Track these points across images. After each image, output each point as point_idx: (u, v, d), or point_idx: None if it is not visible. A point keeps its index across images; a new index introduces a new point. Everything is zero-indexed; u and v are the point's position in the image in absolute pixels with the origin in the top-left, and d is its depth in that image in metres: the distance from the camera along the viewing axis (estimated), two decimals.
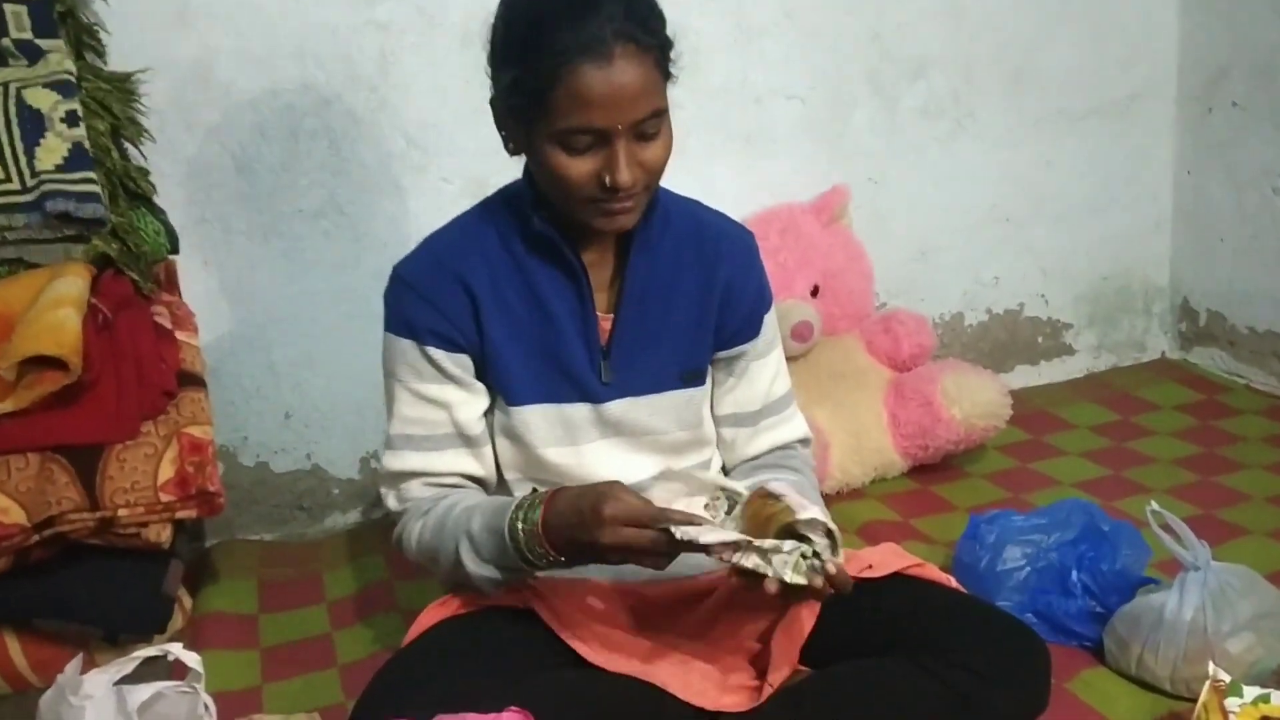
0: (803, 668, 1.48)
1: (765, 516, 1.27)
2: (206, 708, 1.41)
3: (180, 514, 1.75)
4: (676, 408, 1.54)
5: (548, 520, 1.30)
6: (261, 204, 2.15)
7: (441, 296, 1.42)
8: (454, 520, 1.41)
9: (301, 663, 1.84)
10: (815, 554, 1.23)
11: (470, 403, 1.46)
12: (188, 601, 1.95)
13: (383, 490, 1.50)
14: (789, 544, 1.22)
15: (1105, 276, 2.85)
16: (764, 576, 1.22)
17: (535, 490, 1.37)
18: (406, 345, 1.43)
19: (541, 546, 1.31)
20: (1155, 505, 1.61)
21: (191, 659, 1.43)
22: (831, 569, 1.23)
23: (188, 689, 1.42)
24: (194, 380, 1.84)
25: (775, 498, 1.28)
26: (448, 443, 1.46)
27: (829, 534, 1.23)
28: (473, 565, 1.39)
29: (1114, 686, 1.62)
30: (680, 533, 1.22)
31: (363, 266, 2.20)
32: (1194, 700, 1.54)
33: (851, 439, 2.26)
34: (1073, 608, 1.70)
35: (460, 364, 1.44)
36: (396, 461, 1.47)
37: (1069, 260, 2.81)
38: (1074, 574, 1.72)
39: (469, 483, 1.49)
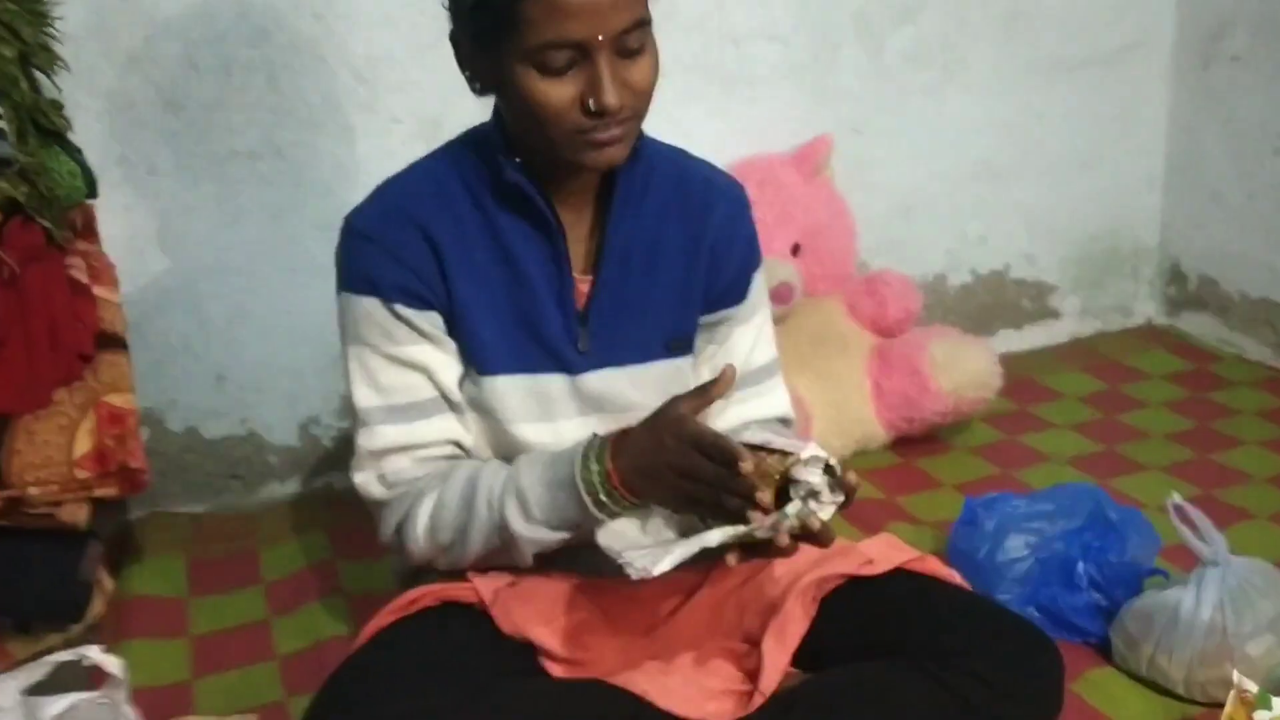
0: (795, 671, 1.35)
1: (759, 474, 1.12)
2: None
3: (99, 492, 1.60)
4: (662, 380, 1.38)
5: (617, 459, 1.18)
6: (191, 143, 1.95)
7: (404, 248, 1.25)
8: (487, 483, 1.25)
9: (236, 653, 1.68)
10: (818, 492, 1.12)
11: (449, 365, 1.30)
12: (108, 584, 1.77)
13: (360, 477, 1.31)
14: (793, 507, 1.11)
15: (1093, 236, 2.73)
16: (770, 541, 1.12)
17: (595, 435, 1.23)
18: (371, 304, 1.26)
19: (616, 489, 1.19)
20: (1177, 498, 1.49)
21: (112, 664, 1.27)
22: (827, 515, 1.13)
23: (106, 699, 1.25)
24: (114, 342, 1.66)
25: (759, 449, 1.14)
26: (434, 408, 1.29)
27: (828, 469, 1.12)
28: (520, 526, 1.23)
29: (1122, 688, 1.50)
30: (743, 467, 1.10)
31: (304, 214, 2.01)
32: (1209, 705, 1.44)
33: (832, 409, 2.12)
34: (1079, 602, 1.58)
35: (432, 322, 1.27)
36: (375, 439, 1.28)
37: (1056, 218, 2.67)
38: (1080, 565, 1.59)
39: (459, 452, 1.32)
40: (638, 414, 1.35)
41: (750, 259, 1.43)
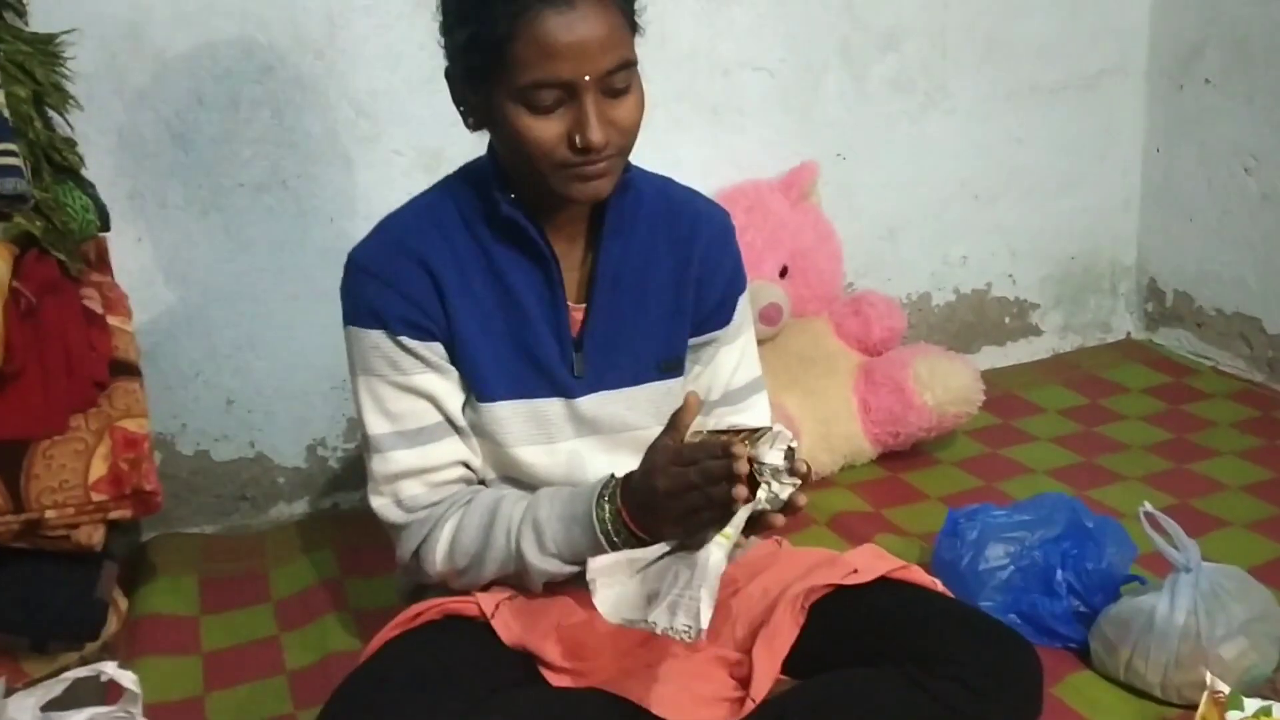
0: (785, 678, 1.41)
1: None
2: None
3: (114, 514, 1.64)
4: (655, 401, 1.45)
5: (626, 500, 1.24)
6: (200, 177, 2.01)
7: (406, 281, 1.31)
8: (507, 514, 1.32)
9: (247, 669, 1.73)
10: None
11: (453, 392, 1.36)
12: (123, 603, 1.83)
13: (377, 502, 1.37)
14: (763, 492, 1.16)
15: (1073, 256, 2.80)
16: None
17: (611, 476, 1.29)
18: (377, 337, 1.32)
19: (626, 526, 1.25)
20: (1149, 506, 1.55)
21: (127, 679, 1.32)
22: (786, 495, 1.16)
23: (123, 714, 1.31)
24: (127, 369, 1.72)
25: (724, 433, 1.20)
26: (442, 432, 1.36)
27: (788, 452, 1.16)
28: (534, 557, 1.30)
29: (1101, 692, 1.56)
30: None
31: (309, 243, 2.08)
32: (1185, 707, 1.50)
33: (821, 426, 2.19)
34: (1058, 608, 1.64)
35: (436, 352, 1.34)
36: (389, 464, 1.35)
37: (1037, 239, 2.75)
38: (1059, 573, 1.66)
39: (470, 474, 1.39)
40: (634, 434, 1.43)
41: (735, 283, 1.49)
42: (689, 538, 1.21)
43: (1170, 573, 1.55)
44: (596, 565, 1.19)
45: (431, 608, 1.37)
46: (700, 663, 1.40)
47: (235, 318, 2.09)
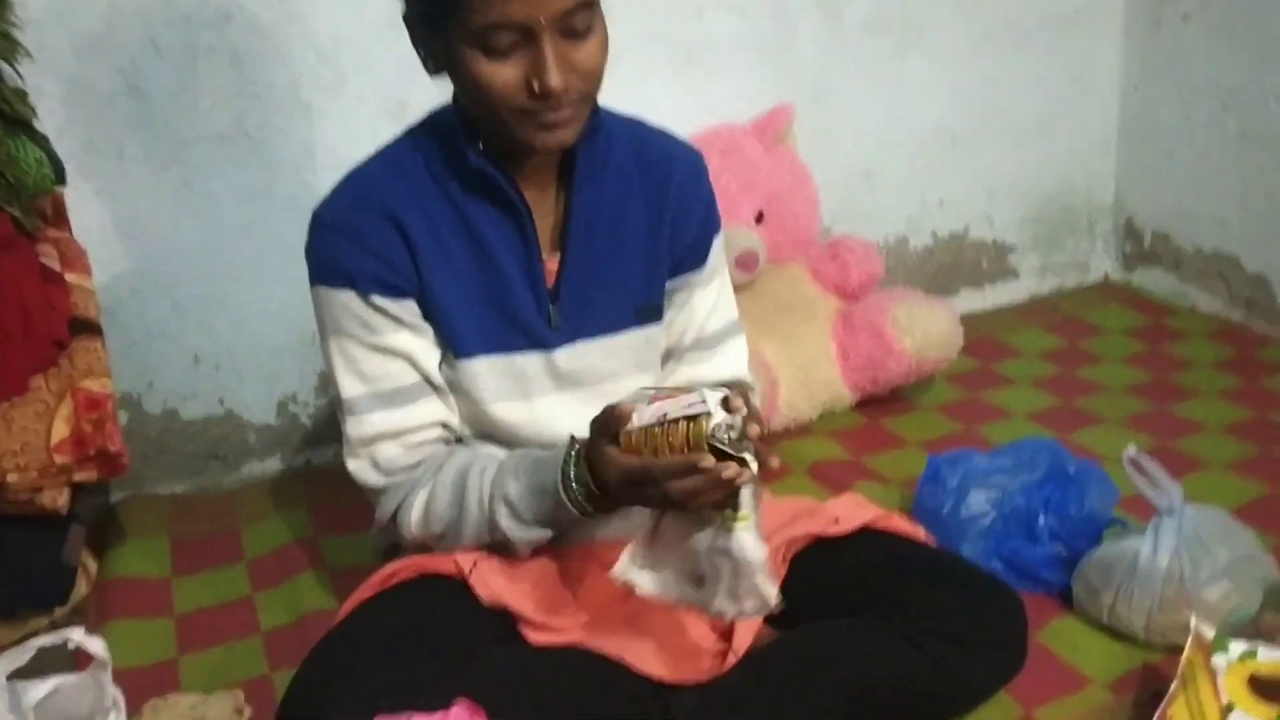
0: (768, 629, 1.40)
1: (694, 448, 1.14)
2: (115, 702, 1.27)
3: (78, 477, 1.61)
4: (634, 349, 1.42)
5: (593, 475, 1.21)
6: (158, 128, 1.95)
7: (375, 238, 1.27)
8: (476, 486, 1.29)
9: (220, 630, 1.70)
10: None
11: (429, 350, 1.33)
12: (92, 566, 1.80)
13: (353, 465, 1.34)
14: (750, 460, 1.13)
15: (1050, 196, 2.77)
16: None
17: (571, 443, 1.25)
18: (347, 296, 1.28)
19: (599, 502, 1.23)
20: (1134, 450, 1.54)
21: (95, 645, 1.29)
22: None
23: (90, 681, 1.28)
24: (88, 327, 1.67)
25: (659, 427, 1.15)
26: (419, 392, 1.32)
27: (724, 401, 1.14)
28: (517, 531, 1.29)
29: (1085, 636, 1.55)
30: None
31: (274, 196, 2.02)
32: (1169, 650, 1.49)
33: (799, 373, 2.16)
34: (1040, 554, 1.63)
35: (408, 310, 1.30)
36: (364, 427, 1.31)
37: (1014, 180, 2.72)
38: (1041, 518, 1.65)
39: (448, 434, 1.36)
40: (611, 383, 1.40)
41: (709, 224, 1.46)
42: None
43: (1153, 516, 1.53)
44: (618, 570, 1.21)
45: (406, 566, 1.34)
46: (680, 617, 1.38)
47: (200, 273, 2.04)
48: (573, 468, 1.22)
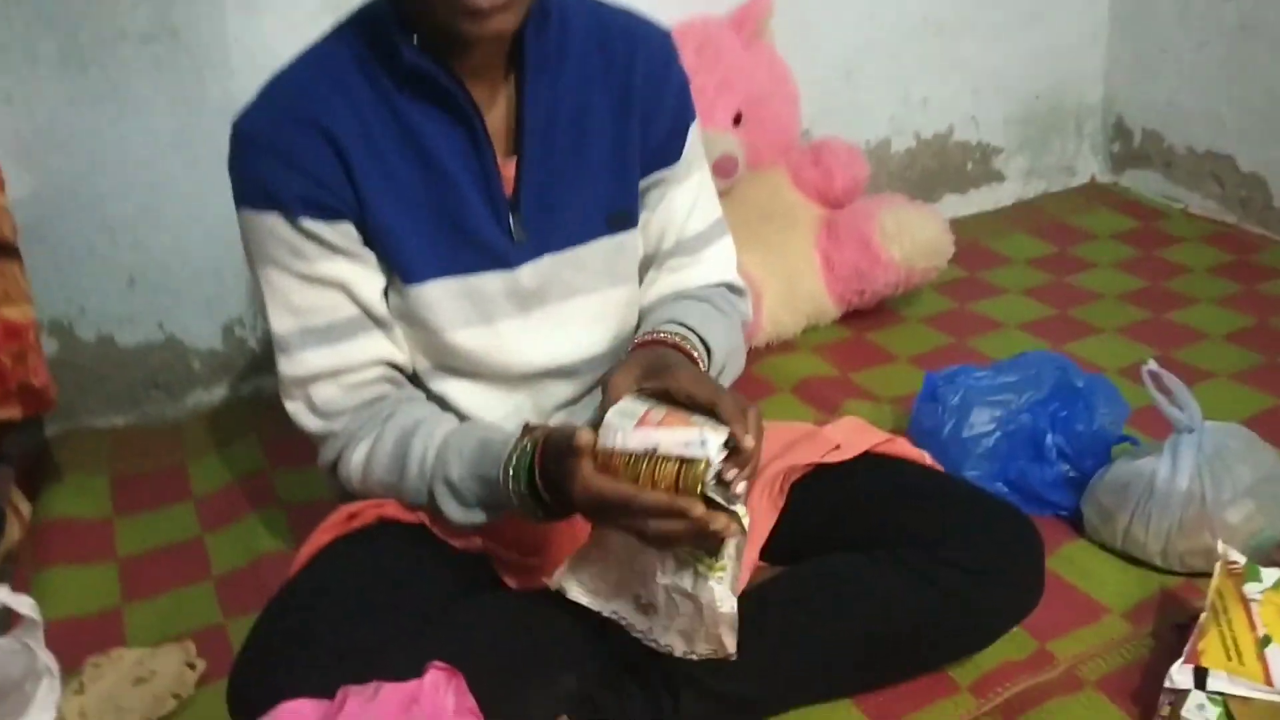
0: (765, 565, 1.29)
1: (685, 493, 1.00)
2: (48, 668, 1.15)
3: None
4: (606, 260, 1.28)
5: (546, 481, 1.08)
6: (73, 24, 1.75)
7: (301, 153, 1.11)
8: (418, 458, 1.15)
9: (168, 575, 1.57)
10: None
11: (369, 279, 1.17)
12: (25, 508, 1.65)
13: (291, 406, 1.20)
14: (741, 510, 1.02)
15: (1037, 94, 2.64)
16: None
17: (523, 434, 1.11)
18: (273, 221, 1.12)
19: (546, 506, 1.09)
20: (1154, 364, 1.43)
21: (23, 604, 1.16)
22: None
23: (19, 644, 1.15)
24: (4, 250, 1.52)
25: (646, 459, 1.01)
26: (357, 327, 1.17)
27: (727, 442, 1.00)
28: (459, 514, 1.16)
29: (1097, 562, 1.46)
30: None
31: (208, 101, 1.84)
32: (1188, 575, 1.41)
33: (783, 285, 2.04)
34: (1049, 475, 1.53)
35: (345, 234, 1.14)
36: (297, 365, 1.17)
37: (1000, 77, 2.58)
38: (1049, 437, 1.54)
39: (393, 373, 1.21)
40: (582, 300, 1.26)
41: (683, 112, 1.30)
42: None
43: (1171, 434, 1.43)
44: (556, 579, 1.10)
45: (367, 508, 1.22)
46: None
47: (129, 187, 1.86)
48: (523, 470, 1.08)
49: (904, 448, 1.37)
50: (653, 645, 1.09)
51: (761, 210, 2.10)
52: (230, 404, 2.04)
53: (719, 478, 0.99)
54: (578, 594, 1.10)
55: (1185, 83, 2.51)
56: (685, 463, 0.98)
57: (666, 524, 0.98)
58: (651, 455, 0.99)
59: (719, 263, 1.38)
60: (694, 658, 1.07)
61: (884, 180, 2.49)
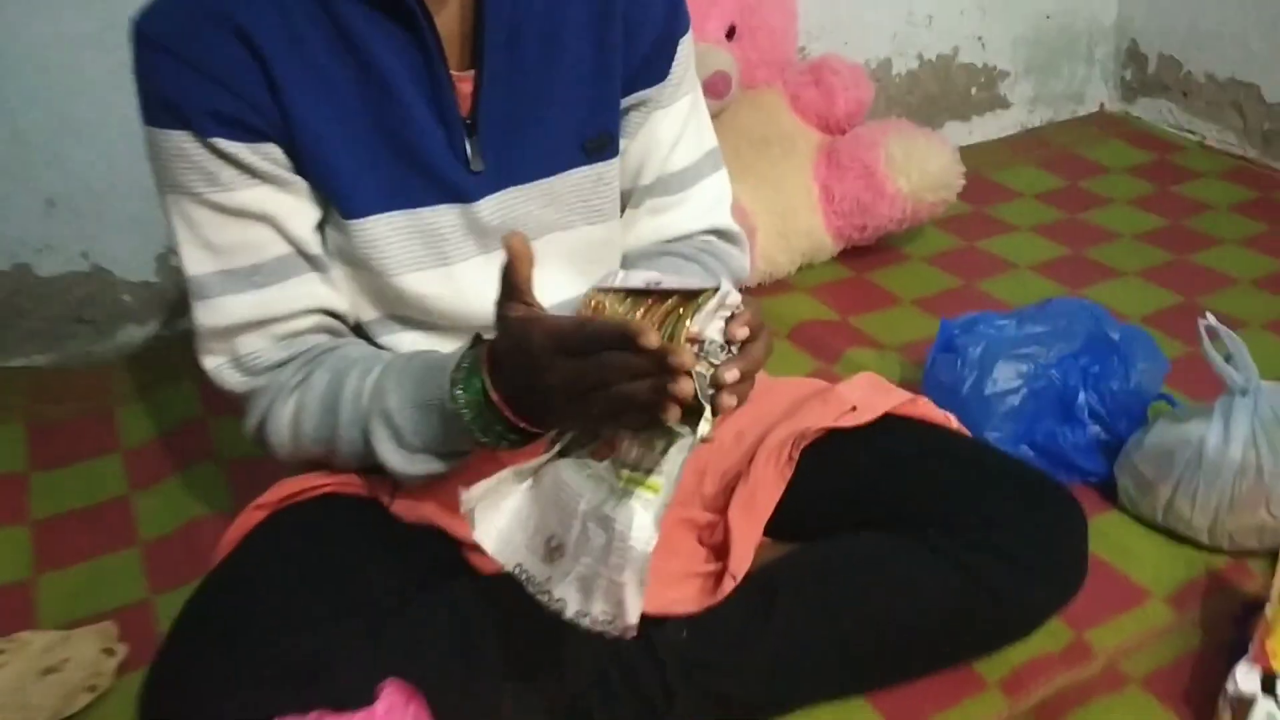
0: (769, 540, 1.13)
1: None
2: None
3: None
4: (580, 191, 1.09)
5: (498, 383, 0.87)
6: None
7: (213, 58, 0.90)
8: (352, 395, 0.96)
9: (89, 541, 1.39)
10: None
11: (300, 210, 0.98)
12: None
13: (209, 362, 1.00)
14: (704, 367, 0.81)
15: (1048, 15, 2.45)
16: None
17: (472, 342, 0.91)
18: (181, 140, 0.93)
19: (502, 421, 0.88)
20: (1211, 319, 1.26)
21: None
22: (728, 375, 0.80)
23: None
24: None
25: (642, 295, 0.83)
26: (287, 268, 0.98)
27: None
28: (400, 462, 0.96)
29: (1135, 538, 1.31)
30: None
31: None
32: (1236, 556, 1.26)
33: (777, 220, 1.85)
34: (1081, 438, 1.37)
35: (269, 156, 0.95)
36: (218, 314, 0.98)
37: None
38: (1081, 395, 1.38)
39: (331, 321, 1.02)
40: (553, 238, 1.08)
41: (674, 20, 1.10)
42: (593, 431, 0.87)
43: (1221, 395, 1.28)
44: (473, 493, 0.85)
45: (307, 481, 1.04)
46: (666, 529, 1.10)
47: (40, 94, 1.64)
48: (474, 376, 0.88)
49: (928, 409, 1.21)
50: (544, 602, 0.85)
51: (755, 136, 1.91)
52: (164, 342, 1.84)
53: (712, 347, 0.80)
54: (483, 525, 0.88)
55: (1208, 5, 2.32)
56: (685, 301, 0.79)
57: (613, 358, 0.77)
58: (651, 291, 0.81)
59: (709, 204, 1.19)
60: (584, 623, 0.82)
61: (882, 105, 2.30)
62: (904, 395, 1.20)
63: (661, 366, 0.76)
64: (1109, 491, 1.37)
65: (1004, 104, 2.49)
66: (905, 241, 2.02)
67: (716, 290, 0.80)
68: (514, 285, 0.84)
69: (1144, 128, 2.50)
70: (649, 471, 0.82)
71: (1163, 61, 2.46)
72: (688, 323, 0.80)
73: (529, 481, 0.89)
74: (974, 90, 2.44)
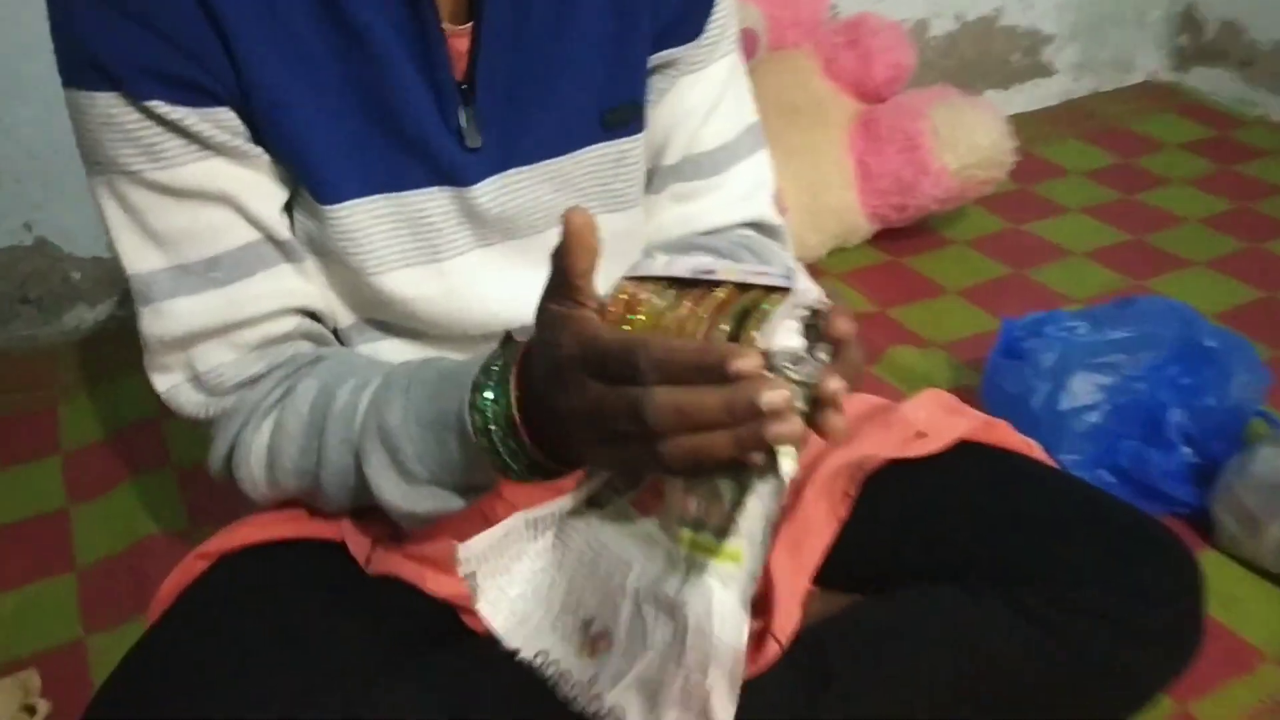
0: (817, 590, 0.94)
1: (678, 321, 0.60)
2: None
3: None
4: (599, 173, 0.88)
5: (524, 397, 0.66)
6: None
7: (148, 2, 0.70)
8: (343, 412, 0.75)
9: (17, 565, 1.21)
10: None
11: (263, 187, 0.77)
12: None
13: (161, 383, 0.79)
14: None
15: None
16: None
17: (503, 342, 0.70)
18: (107, 104, 0.72)
19: (525, 443, 0.66)
20: None
21: None
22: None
23: None
24: None
25: (687, 285, 0.62)
26: (253, 258, 0.78)
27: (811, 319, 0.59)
28: (399, 497, 0.74)
29: (1239, 585, 1.13)
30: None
31: None
32: None
33: (808, 197, 1.66)
34: (1171, 463, 1.19)
35: (222, 123, 0.74)
36: (168, 321, 0.77)
37: None
38: (1172, 413, 1.19)
39: (310, 324, 0.82)
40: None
41: None
42: (632, 476, 0.66)
43: None
44: (473, 549, 0.65)
45: (272, 520, 0.84)
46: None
47: None
48: (492, 374, 0.67)
49: (1006, 434, 1.01)
50: (584, 707, 0.64)
51: (783, 103, 1.71)
52: (118, 325, 1.65)
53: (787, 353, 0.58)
54: (490, 610, 0.67)
55: None
56: (741, 293, 0.59)
57: (684, 397, 0.55)
58: (700, 279, 0.61)
59: (747, 190, 0.97)
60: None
61: (916, 70, 2.08)
62: (978, 417, 1.00)
63: (750, 405, 0.55)
64: (1201, 524, 1.18)
65: (1046, 71, 2.29)
66: (945, 224, 1.83)
67: (790, 282, 0.60)
68: (567, 279, 0.61)
69: (1198, 99, 2.30)
70: (721, 532, 0.61)
71: (1223, 27, 2.26)
72: (761, 326, 0.59)
73: (549, 536, 0.69)
74: (1015, 56, 2.24)
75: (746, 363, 0.54)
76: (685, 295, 0.62)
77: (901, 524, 0.94)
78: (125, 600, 1.13)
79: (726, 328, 0.59)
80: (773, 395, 0.54)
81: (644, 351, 0.56)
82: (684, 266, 0.63)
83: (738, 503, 0.60)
